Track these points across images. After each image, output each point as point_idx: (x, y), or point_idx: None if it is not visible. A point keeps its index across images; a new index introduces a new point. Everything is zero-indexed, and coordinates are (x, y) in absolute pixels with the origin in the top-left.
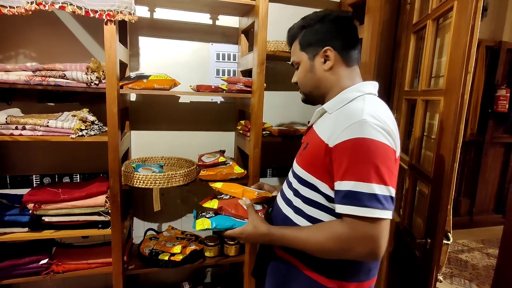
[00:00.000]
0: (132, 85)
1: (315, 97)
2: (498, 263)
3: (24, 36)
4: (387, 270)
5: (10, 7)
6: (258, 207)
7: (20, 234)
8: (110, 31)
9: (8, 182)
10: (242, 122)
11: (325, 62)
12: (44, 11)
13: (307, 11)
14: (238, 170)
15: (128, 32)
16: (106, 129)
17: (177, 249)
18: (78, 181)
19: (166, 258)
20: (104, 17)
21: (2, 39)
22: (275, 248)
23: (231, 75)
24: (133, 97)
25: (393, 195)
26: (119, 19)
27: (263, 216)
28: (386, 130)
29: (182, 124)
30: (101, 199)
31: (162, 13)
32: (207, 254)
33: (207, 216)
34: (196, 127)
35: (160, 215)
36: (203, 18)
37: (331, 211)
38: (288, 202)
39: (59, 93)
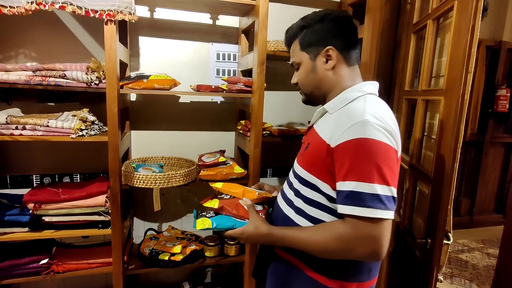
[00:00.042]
0: (132, 85)
1: (316, 97)
2: (498, 263)
3: (24, 36)
4: (387, 270)
5: (10, 7)
6: (259, 207)
7: (20, 234)
8: (110, 31)
9: (8, 182)
10: (242, 122)
11: (327, 61)
12: (44, 11)
13: (307, 11)
14: (238, 170)
15: (128, 32)
16: (106, 129)
17: (177, 249)
18: (78, 181)
19: (166, 258)
20: (104, 17)
21: (2, 39)
22: (275, 249)
23: (231, 75)
24: (133, 97)
25: (395, 195)
26: (119, 19)
27: (263, 216)
28: (388, 130)
29: (182, 124)
30: (101, 199)
31: (162, 13)
32: (207, 254)
33: (207, 215)
34: (196, 127)
35: (160, 215)
36: (203, 18)
37: (332, 211)
38: (289, 202)
39: (59, 93)
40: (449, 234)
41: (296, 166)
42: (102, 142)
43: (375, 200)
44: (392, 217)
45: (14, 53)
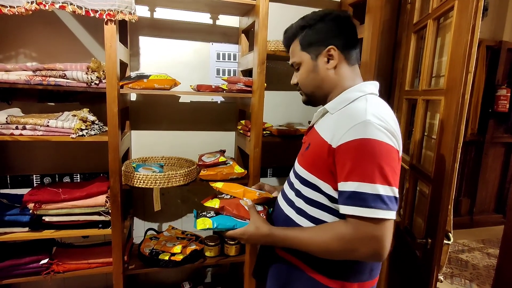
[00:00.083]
0: (133, 85)
1: (317, 97)
2: (498, 263)
3: (24, 36)
4: (388, 270)
5: (10, 6)
6: (259, 208)
7: (20, 234)
8: (111, 30)
9: (8, 182)
10: (243, 122)
11: (328, 61)
12: (44, 11)
13: (307, 10)
14: (238, 170)
15: (128, 31)
16: (107, 129)
17: (177, 249)
18: (79, 181)
19: (167, 258)
20: (104, 16)
21: (2, 39)
22: (276, 249)
23: (232, 75)
24: (133, 97)
25: (397, 195)
26: (120, 19)
27: (264, 217)
28: (390, 131)
29: (183, 124)
30: (101, 199)
31: (163, 13)
32: (207, 254)
33: (207, 215)
34: (196, 127)
35: (161, 215)
36: (204, 18)
37: (333, 212)
38: (290, 203)
39: (60, 93)
40: (450, 234)
41: (297, 166)
42: (102, 142)
43: (377, 201)
44: (394, 217)
45: (14, 53)
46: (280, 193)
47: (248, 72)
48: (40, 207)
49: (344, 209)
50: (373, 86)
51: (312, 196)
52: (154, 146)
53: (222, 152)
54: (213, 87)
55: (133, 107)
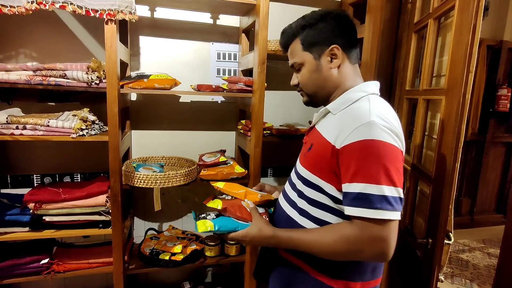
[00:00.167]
0: (133, 85)
1: (319, 97)
2: (499, 262)
3: (24, 35)
4: (388, 270)
5: (11, 6)
6: (261, 209)
7: (20, 233)
8: (111, 30)
9: (8, 181)
10: (243, 121)
11: (331, 60)
12: (45, 11)
13: (308, 10)
14: (238, 169)
15: (128, 31)
16: (107, 128)
17: (177, 248)
18: (79, 180)
19: (167, 257)
20: (104, 16)
21: (3, 39)
22: (278, 250)
23: (232, 74)
24: (133, 96)
25: (402, 196)
26: (120, 19)
27: (266, 218)
28: (394, 131)
29: (183, 124)
30: (101, 198)
31: (163, 13)
32: (207, 253)
33: (208, 217)
34: (196, 127)
35: (161, 215)
36: (204, 18)
37: (336, 212)
38: (292, 204)
39: (60, 92)
40: (450, 234)
41: (299, 167)
42: (102, 142)
43: (383, 202)
44: (399, 218)
45: (14, 53)
46: (281, 193)
47: (248, 72)
48: (41, 207)
49: (349, 211)
50: (375, 86)
51: (315, 197)
52: (155, 146)
53: (223, 152)
54: (214, 87)
55: (133, 107)
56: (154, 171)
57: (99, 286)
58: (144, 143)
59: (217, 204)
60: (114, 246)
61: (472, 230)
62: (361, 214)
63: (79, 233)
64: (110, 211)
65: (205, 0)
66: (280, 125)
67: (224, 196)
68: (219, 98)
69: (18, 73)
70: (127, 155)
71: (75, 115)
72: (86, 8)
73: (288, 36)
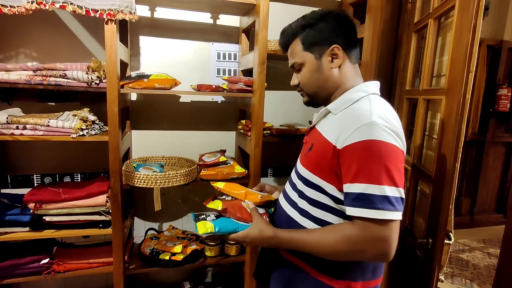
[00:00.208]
0: (133, 85)
1: (320, 98)
2: (499, 262)
3: (24, 35)
4: (388, 270)
5: (11, 6)
6: (261, 210)
7: (21, 233)
8: (111, 30)
9: (9, 181)
10: (243, 121)
11: (332, 60)
12: (45, 11)
13: (308, 10)
14: (239, 169)
15: (128, 31)
16: (107, 128)
17: (178, 248)
18: (79, 180)
19: (167, 257)
20: (104, 16)
21: (3, 39)
22: (279, 251)
23: (232, 74)
24: (133, 96)
25: (403, 196)
26: (120, 19)
27: (267, 219)
28: (395, 132)
29: (183, 124)
30: (101, 198)
31: (163, 13)
32: (208, 253)
33: (208, 219)
34: (196, 127)
35: (161, 215)
36: (204, 18)
37: (337, 212)
38: (293, 204)
39: (60, 92)
40: (450, 233)
41: (300, 167)
42: (102, 142)
43: (384, 202)
44: (400, 218)
45: (14, 53)
46: (281, 194)
47: (248, 72)
48: (41, 207)
49: (351, 211)
50: (375, 86)
51: (316, 197)
52: (155, 146)
53: (223, 152)
54: (214, 86)
55: (133, 107)
56: (154, 171)
57: (99, 286)
58: (144, 143)
59: (217, 205)
60: (114, 246)
61: (472, 230)
62: (363, 214)
63: (79, 233)
64: (110, 211)
65: (205, 0)
66: (280, 125)
67: (224, 196)
68: (219, 98)
69: (18, 73)
70: (127, 155)
71: (75, 115)
72: (86, 8)
73: (288, 36)
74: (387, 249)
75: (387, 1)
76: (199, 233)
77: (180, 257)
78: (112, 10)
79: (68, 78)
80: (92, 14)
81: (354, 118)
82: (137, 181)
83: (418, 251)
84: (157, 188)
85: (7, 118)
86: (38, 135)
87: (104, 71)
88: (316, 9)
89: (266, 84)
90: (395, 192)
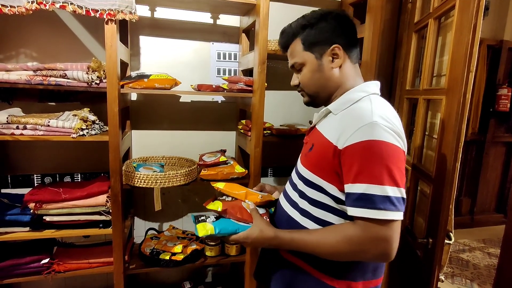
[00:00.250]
0: (133, 85)
1: (321, 97)
2: (499, 262)
3: (25, 35)
4: (389, 269)
5: (11, 6)
6: (261, 210)
7: (21, 233)
8: (111, 30)
9: (9, 181)
10: (243, 121)
11: (333, 60)
12: (45, 11)
13: (308, 10)
14: (239, 169)
15: (129, 31)
16: (107, 128)
17: (178, 248)
18: (79, 180)
19: (167, 257)
20: (104, 16)
21: (3, 39)
22: (280, 251)
23: (232, 74)
24: (134, 96)
25: (404, 196)
26: (120, 19)
27: (267, 219)
28: (396, 132)
29: (183, 124)
30: (102, 198)
31: (163, 13)
32: (208, 253)
33: (207, 220)
34: (197, 127)
35: (161, 215)
36: (204, 17)
37: (338, 213)
38: (294, 204)
39: (60, 92)
40: (451, 233)
41: (300, 167)
42: (103, 142)
43: (386, 202)
44: (402, 218)
45: (15, 53)
46: (282, 194)
47: (248, 72)
48: (41, 206)
49: (352, 211)
50: (375, 86)
51: (317, 197)
52: (155, 145)
53: (223, 151)
54: (214, 86)
55: (133, 107)
56: (154, 171)
57: (99, 286)
58: (145, 143)
59: (217, 206)
60: (115, 246)
61: (472, 230)
62: (364, 214)
63: (80, 233)
64: (111, 211)
65: (205, 0)
66: (281, 125)
67: (224, 197)
68: (219, 98)
69: (19, 73)
70: (127, 155)
71: (75, 115)
72: (86, 8)
73: (288, 36)
74: (388, 249)
75: (387, 1)
76: (199, 235)
77: (180, 257)
78: (112, 10)
79: (68, 78)
80: (92, 14)
81: (355, 118)
82: (137, 181)
83: (418, 251)
84: (157, 188)
85: (7, 118)
86: (38, 135)
87: (104, 71)
88: (316, 9)
89: (266, 84)
90: (397, 192)
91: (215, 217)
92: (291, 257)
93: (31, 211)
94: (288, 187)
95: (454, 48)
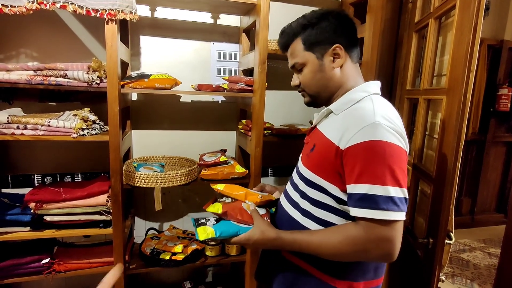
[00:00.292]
0: (133, 85)
1: (322, 98)
2: (500, 262)
3: (25, 35)
4: (389, 269)
5: (11, 6)
6: (262, 211)
7: (21, 233)
8: (111, 30)
9: (9, 181)
10: (244, 121)
11: (334, 60)
12: (45, 11)
13: (309, 10)
14: (239, 169)
15: (129, 31)
16: (108, 128)
17: (178, 248)
18: (80, 180)
19: (168, 257)
20: (105, 16)
21: (3, 39)
22: (282, 252)
23: (232, 74)
24: (134, 96)
25: (407, 196)
26: (120, 18)
27: (268, 220)
28: (398, 132)
29: (183, 124)
30: (102, 198)
31: (163, 12)
32: (208, 253)
33: (208, 223)
34: (197, 127)
35: (161, 215)
36: (204, 17)
37: (340, 213)
38: (295, 204)
39: (61, 92)
40: (451, 233)
41: (301, 168)
42: (103, 142)
43: (389, 203)
44: (404, 218)
45: (15, 53)
46: (282, 194)
47: (249, 72)
48: (41, 206)
49: (355, 212)
50: (376, 85)
51: (318, 198)
52: (155, 145)
53: (223, 151)
54: (214, 86)
55: (134, 107)
56: (154, 171)
57: None
58: (145, 142)
59: (217, 208)
60: (115, 245)
61: (472, 229)
62: (367, 215)
63: (80, 232)
64: (111, 210)
65: (205, 0)
66: (281, 125)
67: (224, 199)
68: (219, 98)
69: (19, 73)
70: (127, 155)
71: (75, 115)
72: (86, 8)
73: (288, 36)
74: (391, 249)
75: (388, 1)
76: (200, 239)
77: (180, 257)
78: (113, 10)
79: (68, 78)
80: (93, 14)
81: (357, 119)
82: (138, 181)
83: (418, 251)
84: (158, 188)
85: (7, 118)
86: (39, 135)
87: (104, 71)
88: (316, 8)
89: (266, 84)
90: (399, 192)
91: (215, 220)
92: (293, 258)
93: (32, 211)
94: (289, 187)
95: (455, 48)
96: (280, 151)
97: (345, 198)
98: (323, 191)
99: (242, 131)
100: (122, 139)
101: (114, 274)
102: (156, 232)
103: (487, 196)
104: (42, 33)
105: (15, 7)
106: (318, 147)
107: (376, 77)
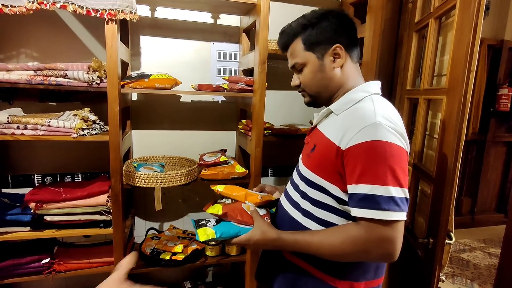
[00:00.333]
0: (134, 85)
1: (322, 98)
2: (500, 262)
3: (25, 35)
4: (389, 269)
5: (12, 6)
6: (262, 211)
7: (22, 233)
8: (111, 30)
9: (10, 181)
10: (244, 121)
11: (334, 60)
12: (45, 10)
13: (309, 10)
14: (239, 169)
15: (129, 31)
16: (108, 128)
17: (178, 248)
18: (80, 180)
19: (168, 257)
20: (105, 16)
21: (4, 39)
22: (283, 252)
23: (233, 74)
24: (134, 96)
25: (408, 196)
26: (120, 18)
27: (268, 220)
28: (399, 132)
29: (184, 124)
30: (102, 198)
31: (163, 12)
32: (208, 253)
33: (208, 225)
34: (197, 127)
35: (162, 215)
36: (205, 17)
37: (341, 213)
38: (295, 205)
39: (61, 92)
40: (451, 233)
41: (302, 168)
42: (103, 142)
43: (390, 203)
44: (405, 218)
45: (15, 53)
46: (283, 194)
47: (249, 72)
48: (42, 206)
49: (356, 212)
50: (376, 85)
51: (319, 198)
52: (155, 145)
53: (223, 151)
54: (214, 86)
55: (134, 107)
56: (155, 171)
57: None
58: (145, 142)
59: (217, 209)
60: (115, 245)
61: (473, 229)
62: (369, 215)
63: (80, 232)
64: (111, 210)
65: (205, 0)
66: (281, 125)
67: (224, 200)
68: (219, 98)
69: (19, 73)
70: (128, 155)
71: (76, 115)
72: (87, 7)
73: (288, 36)
74: (392, 249)
75: (388, 1)
76: (200, 240)
77: (180, 257)
78: (113, 10)
79: (69, 78)
80: (93, 14)
81: (358, 119)
82: (138, 181)
83: (419, 251)
84: (158, 187)
85: (8, 118)
86: (39, 135)
87: (105, 71)
88: (316, 8)
89: (266, 84)
90: (400, 192)
91: (215, 221)
92: (293, 258)
93: (32, 211)
94: (289, 187)
95: (455, 48)
96: (280, 151)
97: (345, 198)
98: (323, 191)
99: (242, 131)
100: (122, 139)
101: (129, 260)
102: (156, 232)
103: (487, 196)
104: (42, 33)
105: (15, 7)
106: (319, 147)
107: (376, 77)
